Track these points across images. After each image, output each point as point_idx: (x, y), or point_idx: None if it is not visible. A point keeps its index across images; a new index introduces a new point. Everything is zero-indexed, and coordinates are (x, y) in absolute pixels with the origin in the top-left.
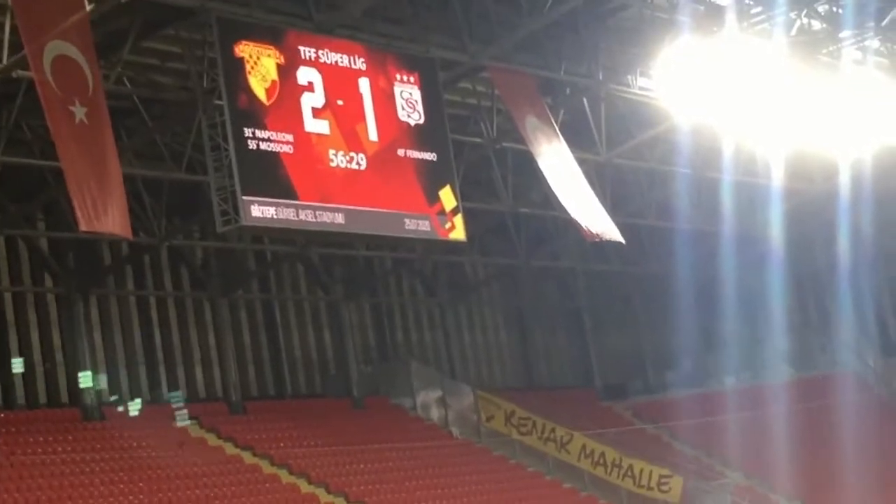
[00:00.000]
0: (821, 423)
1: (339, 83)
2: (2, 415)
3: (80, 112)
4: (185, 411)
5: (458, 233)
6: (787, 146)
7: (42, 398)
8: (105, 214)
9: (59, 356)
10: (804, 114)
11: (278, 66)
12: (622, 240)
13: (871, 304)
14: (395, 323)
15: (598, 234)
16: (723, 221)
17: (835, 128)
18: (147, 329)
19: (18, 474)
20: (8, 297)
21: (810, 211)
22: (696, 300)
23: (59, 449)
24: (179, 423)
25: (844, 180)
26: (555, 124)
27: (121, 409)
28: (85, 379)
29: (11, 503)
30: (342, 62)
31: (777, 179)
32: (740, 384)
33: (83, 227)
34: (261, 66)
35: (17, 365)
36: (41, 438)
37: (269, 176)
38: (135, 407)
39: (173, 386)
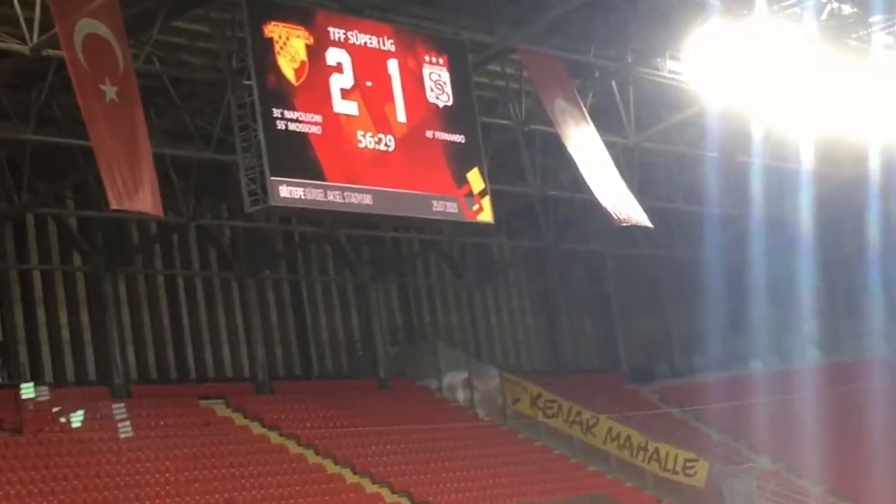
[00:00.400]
0: (848, 408)
1: (367, 64)
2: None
3: (110, 91)
4: (128, 422)
5: (486, 215)
6: (817, 130)
7: (70, 376)
8: (136, 193)
9: (87, 334)
10: (834, 98)
11: (307, 46)
12: (650, 224)
13: None
14: (422, 304)
15: (625, 219)
16: (751, 205)
17: (864, 112)
18: (175, 308)
19: (46, 451)
20: (37, 274)
21: (839, 196)
22: (725, 284)
23: (87, 427)
24: (123, 435)
25: (874, 165)
26: (583, 107)
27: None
28: (27, 390)
29: (39, 479)
30: (371, 43)
31: (806, 164)
32: (768, 368)
33: (113, 205)
34: (290, 47)
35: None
36: (69, 416)
37: (297, 157)
38: (77, 419)
39: (195, 363)
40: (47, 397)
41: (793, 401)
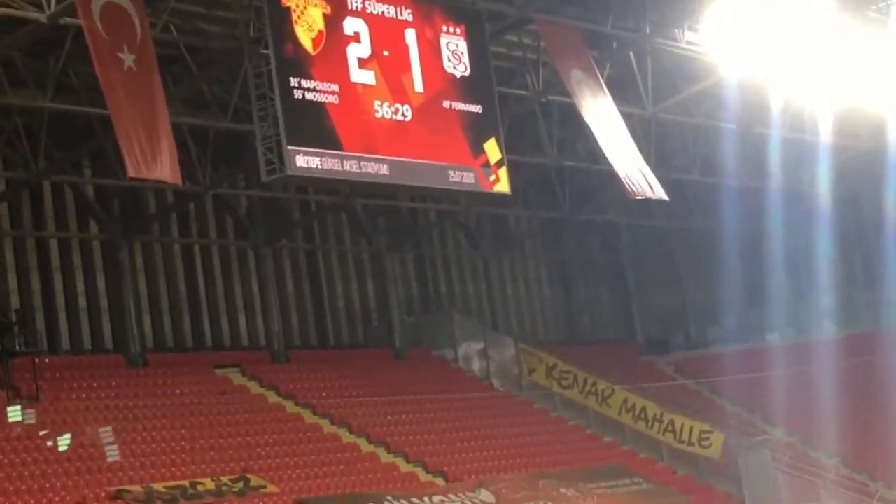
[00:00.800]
0: (864, 380)
1: (385, 34)
2: (46, 360)
3: (128, 59)
4: (116, 446)
5: (503, 185)
6: (835, 102)
7: (87, 344)
8: (154, 161)
9: (103, 302)
10: (852, 70)
11: (325, 16)
12: (666, 197)
13: None
14: (438, 274)
15: (640, 192)
16: (769, 177)
17: (883, 84)
18: (191, 277)
19: (62, 419)
20: (53, 242)
21: (857, 168)
22: (741, 256)
23: (103, 395)
24: (110, 459)
25: (892, 137)
26: (601, 78)
27: (50, 443)
28: (14, 413)
29: (54, 447)
30: (389, 13)
31: (824, 135)
32: (784, 341)
33: (131, 172)
34: (307, 16)
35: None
36: (85, 384)
37: (314, 126)
38: (64, 442)
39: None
40: (33, 421)
41: (809, 373)
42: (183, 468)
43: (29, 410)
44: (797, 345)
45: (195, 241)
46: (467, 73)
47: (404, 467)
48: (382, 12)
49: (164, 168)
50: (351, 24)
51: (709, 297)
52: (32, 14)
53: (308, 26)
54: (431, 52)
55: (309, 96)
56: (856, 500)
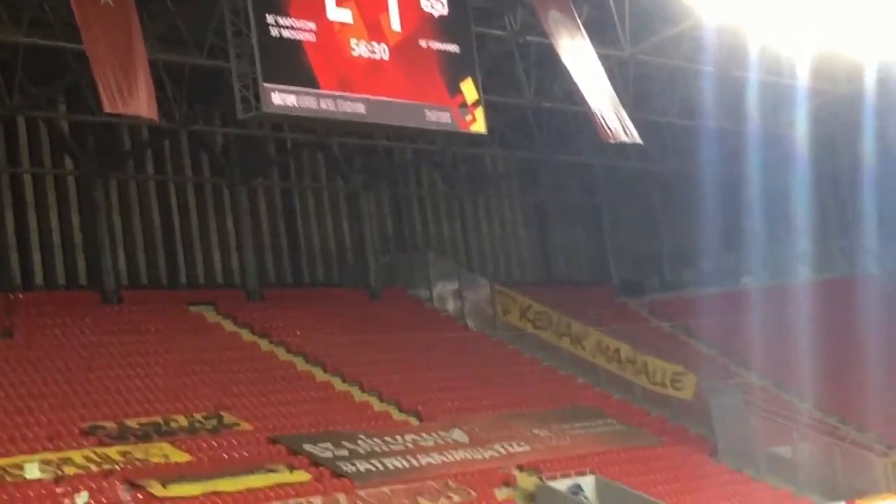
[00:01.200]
0: (837, 326)
1: None
2: (21, 296)
3: None
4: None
5: (479, 125)
6: (813, 46)
7: (61, 280)
8: (130, 96)
9: (78, 238)
10: (831, 14)
11: None
12: (640, 141)
13: (894, 208)
14: (414, 214)
15: (616, 135)
16: (746, 120)
17: (861, 29)
18: (166, 214)
19: (36, 356)
20: (28, 178)
21: (835, 112)
22: (718, 199)
23: (77, 331)
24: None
25: (870, 82)
26: (578, 19)
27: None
28: (30, 469)
29: (29, 384)
30: None
31: (802, 79)
32: (759, 284)
33: (107, 108)
34: None
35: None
36: (59, 320)
37: (290, 64)
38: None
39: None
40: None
41: (783, 317)
42: (157, 405)
43: None
44: (772, 289)
45: (170, 179)
46: (445, 12)
47: (378, 406)
48: None
49: (141, 103)
50: None
51: (685, 239)
52: None
53: None
54: None
55: (286, 34)
56: (827, 443)
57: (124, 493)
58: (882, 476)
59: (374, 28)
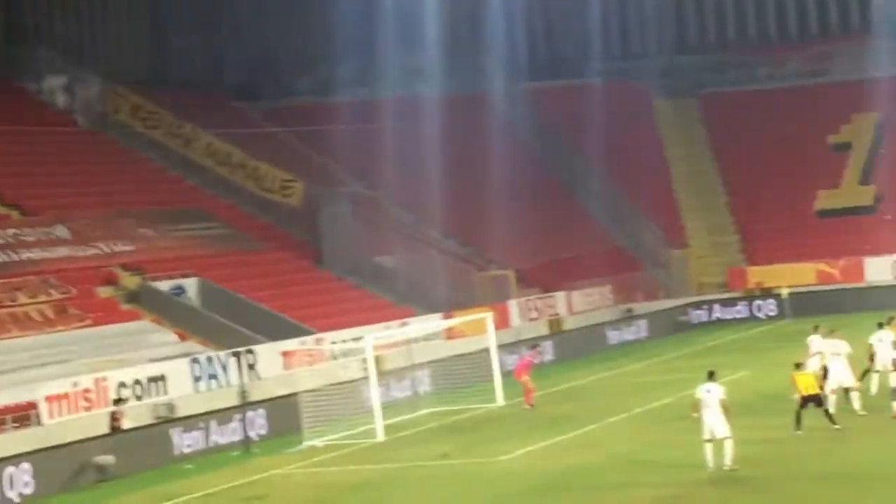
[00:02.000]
0: (463, 140)
1: None
2: None
3: None
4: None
5: None
6: None
7: None
8: None
9: None
10: None
11: None
12: None
13: (523, 26)
14: (27, 3)
15: None
16: None
17: None
18: None
19: None
20: None
21: None
22: (344, 5)
23: None
24: None
25: None
26: None
27: None
28: None
29: None
30: None
31: None
32: (378, 96)
33: None
34: None
35: None
36: None
37: None
38: None
39: None
40: None
41: (403, 129)
42: None
43: None
44: (395, 100)
45: None
46: None
47: None
48: None
49: None
50: None
51: (305, 45)
52: None
53: None
54: None
55: None
56: (430, 256)
57: None
58: (479, 290)
59: None
